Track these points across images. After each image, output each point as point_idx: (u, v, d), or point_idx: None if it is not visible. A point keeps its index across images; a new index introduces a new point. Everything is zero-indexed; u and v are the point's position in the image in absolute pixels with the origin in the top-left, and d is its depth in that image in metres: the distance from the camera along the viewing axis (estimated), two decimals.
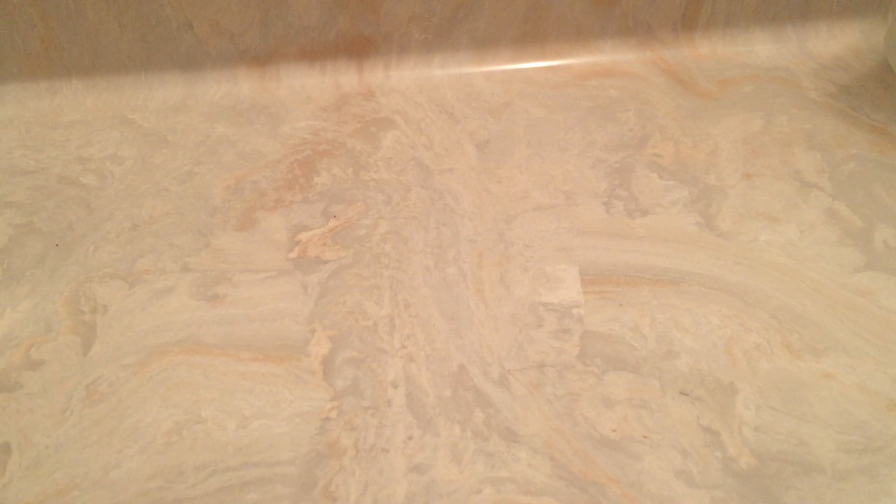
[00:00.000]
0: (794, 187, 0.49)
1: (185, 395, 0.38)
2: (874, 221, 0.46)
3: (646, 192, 0.49)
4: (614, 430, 0.36)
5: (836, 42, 0.61)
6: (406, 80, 0.59)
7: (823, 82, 0.57)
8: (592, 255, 0.44)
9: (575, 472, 0.34)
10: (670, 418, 0.36)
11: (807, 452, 0.35)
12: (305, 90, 0.58)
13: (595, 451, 0.35)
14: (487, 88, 0.58)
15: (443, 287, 0.43)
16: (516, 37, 0.59)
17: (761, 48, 0.61)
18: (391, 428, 0.36)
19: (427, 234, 0.46)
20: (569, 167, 0.51)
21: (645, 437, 0.36)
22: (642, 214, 0.47)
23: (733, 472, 0.34)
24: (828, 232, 0.45)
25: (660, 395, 0.37)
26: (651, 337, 0.40)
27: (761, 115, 0.55)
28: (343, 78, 0.59)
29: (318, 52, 0.58)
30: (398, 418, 0.37)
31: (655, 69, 0.59)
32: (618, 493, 0.33)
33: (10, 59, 0.56)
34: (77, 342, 0.41)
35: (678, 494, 0.33)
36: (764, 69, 0.59)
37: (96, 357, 0.40)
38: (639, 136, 0.53)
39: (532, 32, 0.59)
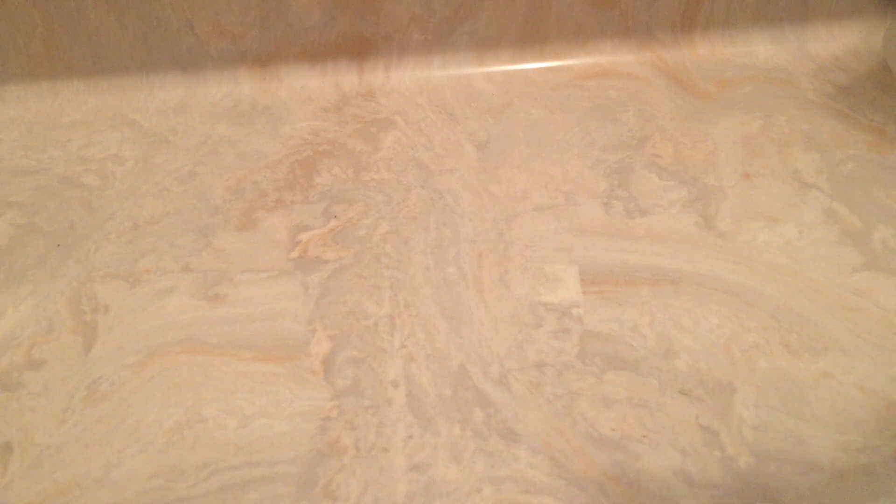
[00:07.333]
0: (793, 187, 0.49)
1: (186, 395, 0.38)
2: (873, 222, 0.46)
3: (645, 192, 0.49)
4: (614, 430, 0.36)
5: (835, 43, 0.61)
6: (406, 80, 0.59)
7: (822, 83, 0.57)
8: (592, 255, 0.45)
9: (574, 471, 0.34)
10: (669, 418, 0.36)
11: (805, 452, 0.35)
12: (306, 91, 0.58)
13: (594, 450, 0.35)
14: (487, 89, 0.58)
15: (443, 287, 0.43)
16: (516, 38, 0.59)
17: (760, 49, 0.61)
18: (391, 427, 0.36)
19: (427, 235, 0.46)
20: (568, 167, 0.51)
21: (644, 436, 0.36)
22: (641, 214, 0.47)
23: (732, 471, 0.34)
24: (826, 232, 0.45)
25: (659, 394, 0.37)
26: (650, 336, 0.40)
27: (760, 115, 0.55)
28: (343, 79, 0.59)
29: (319, 52, 0.58)
30: (398, 417, 0.37)
31: (655, 70, 0.59)
32: (617, 493, 0.34)
33: (12, 59, 0.56)
34: (78, 342, 0.41)
35: (677, 493, 0.33)
36: (763, 70, 0.59)
37: (97, 357, 0.40)
38: (638, 136, 0.53)
39: (532, 33, 0.59)
